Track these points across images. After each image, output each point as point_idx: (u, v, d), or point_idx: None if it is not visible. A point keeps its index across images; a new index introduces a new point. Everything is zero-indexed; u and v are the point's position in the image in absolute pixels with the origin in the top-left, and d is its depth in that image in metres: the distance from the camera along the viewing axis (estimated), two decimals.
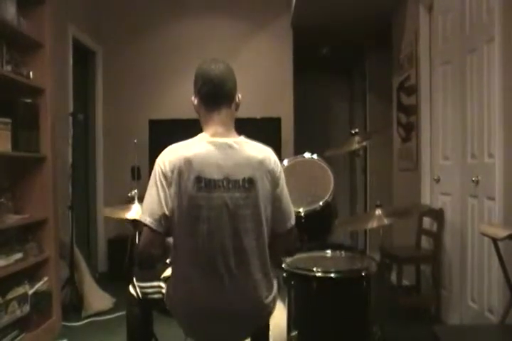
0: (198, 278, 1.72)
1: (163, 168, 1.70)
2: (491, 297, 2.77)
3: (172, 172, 1.68)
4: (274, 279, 1.89)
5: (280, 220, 1.85)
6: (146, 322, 2.07)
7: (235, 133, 1.81)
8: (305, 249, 2.66)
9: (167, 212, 1.69)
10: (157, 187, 1.69)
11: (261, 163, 1.75)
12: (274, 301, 1.86)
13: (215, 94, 1.78)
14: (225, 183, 1.68)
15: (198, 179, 1.67)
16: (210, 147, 1.72)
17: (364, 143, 2.78)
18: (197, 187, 1.67)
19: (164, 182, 1.69)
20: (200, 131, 1.82)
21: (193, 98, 1.84)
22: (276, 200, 1.81)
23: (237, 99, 1.84)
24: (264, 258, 1.78)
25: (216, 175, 1.68)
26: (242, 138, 1.80)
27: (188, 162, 1.68)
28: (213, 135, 1.76)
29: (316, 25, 5.10)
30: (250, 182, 1.71)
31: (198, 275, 1.72)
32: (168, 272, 1.96)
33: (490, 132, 2.78)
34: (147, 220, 1.69)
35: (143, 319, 2.06)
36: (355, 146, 2.76)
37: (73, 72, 4.39)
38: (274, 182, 1.79)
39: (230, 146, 1.73)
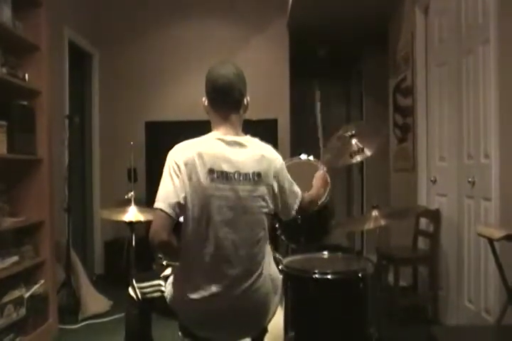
0: (207, 270, 1.75)
1: (176, 161, 1.76)
2: (487, 297, 2.78)
3: (185, 164, 1.74)
4: (279, 274, 1.96)
5: (283, 210, 1.96)
6: (145, 324, 2.08)
7: (242, 133, 1.90)
8: (302, 251, 2.67)
9: (181, 201, 1.73)
10: (171, 177, 1.75)
11: (267, 160, 1.84)
12: (279, 296, 1.92)
13: (223, 103, 1.87)
14: (236, 176, 1.77)
15: (211, 171, 1.75)
16: (220, 143, 1.80)
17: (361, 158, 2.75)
18: (210, 178, 1.74)
19: (178, 173, 1.75)
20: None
21: (203, 98, 1.92)
22: (281, 193, 1.90)
23: (245, 102, 1.92)
24: (268, 250, 1.88)
25: (228, 168, 1.76)
26: (249, 137, 1.89)
27: (201, 155, 1.75)
28: (222, 134, 1.84)
29: (312, 27, 5.11)
30: (259, 175, 1.80)
31: (207, 267, 1.75)
32: (167, 271, 2.00)
33: (486, 133, 2.78)
34: (160, 205, 1.72)
35: (142, 321, 2.07)
36: (352, 152, 2.72)
37: (69, 74, 4.38)
38: (279, 177, 1.88)
39: (239, 143, 1.83)
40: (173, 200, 1.72)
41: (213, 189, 1.74)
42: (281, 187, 1.89)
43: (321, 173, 2.28)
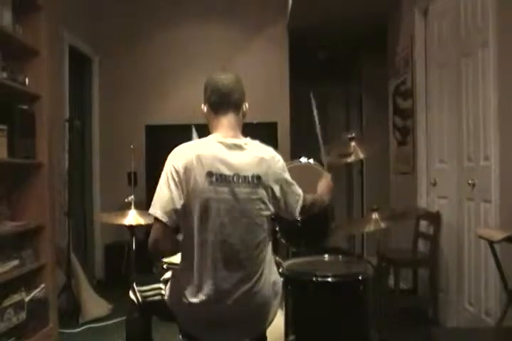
0: (206, 270, 1.75)
1: (175, 164, 1.77)
2: (487, 299, 2.78)
3: (184, 168, 1.75)
4: (279, 278, 1.95)
5: (287, 212, 1.95)
6: (146, 327, 2.08)
7: (241, 136, 1.91)
8: (302, 253, 2.67)
9: (178, 207, 1.74)
10: (169, 182, 1.75)
11: (267, 162, 1.85)
12: (278, 300, 1.91)
13: (223, 102, 1.89)
14: (235, 178, 1.77)
15: (210, 174, 1.75)
16: (220, 146, 1.81)
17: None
18: (208, 181, 1.75)
19: (176, 178, 1.75)
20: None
21: (202, 106, 1.94)
22: (283, 195, 1.90)
23: (244, 108, 1.94)
24: (269, 254, 1.88)
25: (227, 171, 1.77)
26: (249, 140, 1.90)
27: (200, 158, 1.76)
28: (222, 136, 1.85)
29: (312, 30, 5.13)
30: (258, 178, 1.80)
31: (207, 270, 1.75)
32: (168, 274, 2.00)
33: (485, 135, 2.79)
34: (157, 213, 1.73)
35: (142, 324, 2.07)
36: (351, 151, 2.74)
37: (69, 78, 4.39)
38: (280, 179, 1.88)
39: (239, 146, 1.83)
40: (170, 207, 1.72)
41: (212, 192, 1.74)
42: (282, 189, 1.89)
43: (327, 182, 2.27)
